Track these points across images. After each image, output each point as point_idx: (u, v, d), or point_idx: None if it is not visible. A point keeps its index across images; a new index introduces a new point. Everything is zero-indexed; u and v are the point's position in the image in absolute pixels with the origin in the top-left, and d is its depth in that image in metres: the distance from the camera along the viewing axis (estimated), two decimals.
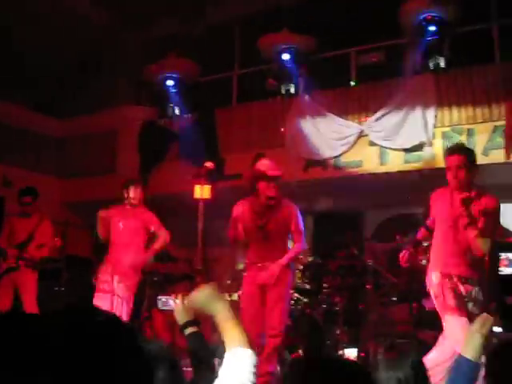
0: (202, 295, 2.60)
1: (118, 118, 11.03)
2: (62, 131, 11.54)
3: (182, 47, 10.64)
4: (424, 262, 5.60)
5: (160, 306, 3.60)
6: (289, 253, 5.90)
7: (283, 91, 9.53)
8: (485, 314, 2.41)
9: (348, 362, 1.74)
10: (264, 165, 5.87)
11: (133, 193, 7.08)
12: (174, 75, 10.44)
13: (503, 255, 1.59)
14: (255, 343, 5.27)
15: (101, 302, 6.28)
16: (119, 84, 11.53)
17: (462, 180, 4.95)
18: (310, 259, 8.82)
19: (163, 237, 7.14)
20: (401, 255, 5.47)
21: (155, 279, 8.28)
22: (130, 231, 7.05)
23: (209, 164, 6.72)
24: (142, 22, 10.92)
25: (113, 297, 6.39)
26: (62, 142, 11.56)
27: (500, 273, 1.58)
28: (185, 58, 10.54)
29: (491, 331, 2.34)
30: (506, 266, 1.55)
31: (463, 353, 2.33)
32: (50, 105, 11.49)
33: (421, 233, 5.57)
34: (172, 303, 3.51)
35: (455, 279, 4.78)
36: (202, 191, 5.64)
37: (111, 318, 1.23)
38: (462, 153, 5.09)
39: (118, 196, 7.21)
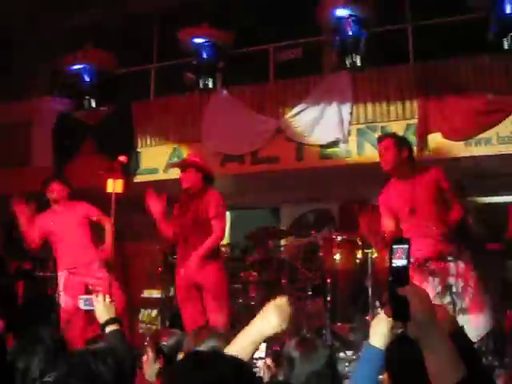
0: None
1: (33, 109, 10.70)
2: None
3: (100, 38, 10.42)
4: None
5: (81, 305, 3.51)
6: (205, 243, 5.90)
7: (201, 85, 9.46)
8: None
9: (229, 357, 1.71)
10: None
11: (54, 190, 6.98)
12: (90, 66, 10.20)
13: (397, 246, 1.63)
14: None
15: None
16: (34, 74, 11.20)
17: (395, 159, 5.17)
18: (227, 253, 8.84)
19: (109, 224, 7.05)
20: None
21: None
22: (67, 228, 6.94)
23: (122, 158, 6.63)
24: (60, 11, 10.64)
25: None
26: None
27: (393, 265, 1.61)
28: (102, 49, 10.33)
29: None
30: (399, 258, 1.58)
31: (370, 340, 2.36)
32: None
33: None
34: (90, 303, 3.45)
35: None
36: (115, 185, 5.55)
37: None
38: (391, 137, 5.36)
39: (32, 189, 7.04)
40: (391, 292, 1.69)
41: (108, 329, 3.29)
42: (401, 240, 1.76)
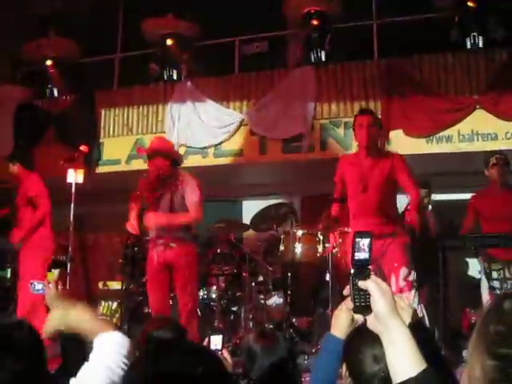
0: (56, 321, 2.52)
1: None
2: None
3: (63, 26, 10.28)
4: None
5: (31, 290, 3.46)
6: (181, 215, 5.89)
7: (165, 77, 9.42)
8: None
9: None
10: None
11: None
12: (53, 55, 10.08)
13: (359, 239, 1.64)
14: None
15: None
16: None
17: (373, 136, 5.27)
18: None
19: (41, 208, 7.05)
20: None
21: None
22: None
23: (83, 147, 6.56)
24: None
25: None
26: None
27: (355, 257, 1.63)
28: (65, 37, 10.20)
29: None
30: (362, 251, 1.60)
31: (332, 330, 2.37)
32: None
33: (334, 209, 5.77)
34: (41, 288, 3.39)
35: None
36: (76, 176, 5.48)
37: None
38: (373, 114, 5.47)
39: None
40: (353, 285, 1.70)
41: None
42: (363, 233, 1.78)
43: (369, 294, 1.68)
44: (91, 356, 2.10)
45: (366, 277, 1.70)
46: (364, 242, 1.74)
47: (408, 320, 2.26)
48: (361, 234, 1.76)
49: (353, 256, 1.72)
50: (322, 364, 2.40)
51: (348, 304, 1.82)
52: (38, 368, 1.91)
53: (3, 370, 1.77)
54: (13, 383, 1.73)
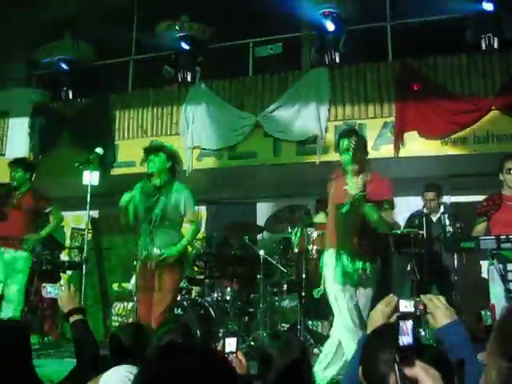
0: None
1: (9, 100, 10.59)
2: None
3: (78, 29, 10.35)
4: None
5: (44, 294, 3.46)
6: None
7: (180, 79, 9.45)
8: (391, 295, 2.47)
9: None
10: None
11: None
12: (68, 58, 10.15)
13: (402, 323, 1.62)
14: None
15: None
16: (11, 65, 11.07)
17: (358, 159, 5.14)
18: (203, 248, 8.82)
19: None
20: None
21: (44, 268, 8.06)
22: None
23: (99, 150, 6.56)
24: (37, 1, 10.53)
25: None
26: None
27: (399, 343, 1.60)
28: (80, 40, 10.26)
29: (395, 311, 2.39)
30: (405, 334, 1.60)
31: (368, 331, 2.38)
32: None
33: None
34: (54, 291, 3.41)
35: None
36: (91, 177, 5.48)
37: None
38: (356, 136, 5.30)
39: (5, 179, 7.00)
40: (399, 371, 1.64)
41: (72, 319, 3.25)
42: (406, 316, 1.73)
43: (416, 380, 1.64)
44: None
45: (411, 363, 1.65)
46: (407, 325, 1.69)
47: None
48: (404, 317, 1.72)
49: (397, 340, 1.67)
50: (357, 364, 2.40)
51: (382, 307, 1.81)
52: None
53: None
54: None
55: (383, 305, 2.43)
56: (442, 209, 7.36)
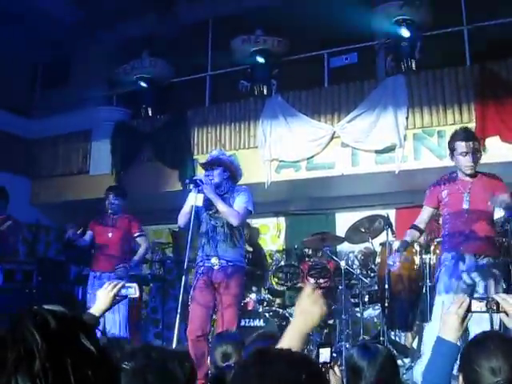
0: None
1: (91, 119, 10.92)
2: (33, 131, 11.36)
3: (156, 48, 10.60)
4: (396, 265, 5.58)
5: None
6: None
7: (256, 92, 9.54)
8: (461, 294, 2.45)
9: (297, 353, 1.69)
10: None
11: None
12: (146, 76, 10.41)
13: None
14: None
15: None
16: (92, 84, 11.42)
17: (477, 163, 5.19)
18: (283, 259, 8.86)
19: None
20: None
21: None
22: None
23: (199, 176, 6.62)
24: (116, 22, 10.85)
25: None
26: (33, 143, 11.37)
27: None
28: (158, 58, 10.51)
29: (468, 312, 2.36)
30: None
31: (441, 334, 2.35)
32: (21, 105, 11.38)
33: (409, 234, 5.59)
34: (129, 291, 3.31)
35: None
36: (197, 199, 5.56)
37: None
38: (476, 139, 5.35)
39: (90, 197, 7.23)
40: None
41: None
42: None
43: None
44: None
45: None
46: None
47: None
48: None
49: None
50: (435, 367, 2.37)
51: (456, 309, 1.80)
52: None
53: None
54: None
55: (456, 306, 2.39)
56: None
